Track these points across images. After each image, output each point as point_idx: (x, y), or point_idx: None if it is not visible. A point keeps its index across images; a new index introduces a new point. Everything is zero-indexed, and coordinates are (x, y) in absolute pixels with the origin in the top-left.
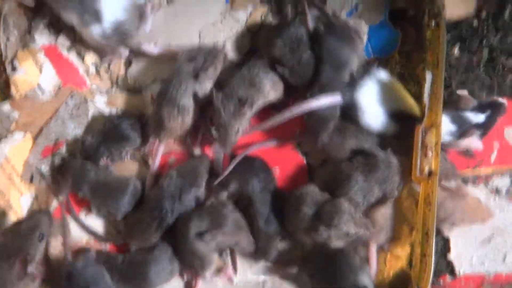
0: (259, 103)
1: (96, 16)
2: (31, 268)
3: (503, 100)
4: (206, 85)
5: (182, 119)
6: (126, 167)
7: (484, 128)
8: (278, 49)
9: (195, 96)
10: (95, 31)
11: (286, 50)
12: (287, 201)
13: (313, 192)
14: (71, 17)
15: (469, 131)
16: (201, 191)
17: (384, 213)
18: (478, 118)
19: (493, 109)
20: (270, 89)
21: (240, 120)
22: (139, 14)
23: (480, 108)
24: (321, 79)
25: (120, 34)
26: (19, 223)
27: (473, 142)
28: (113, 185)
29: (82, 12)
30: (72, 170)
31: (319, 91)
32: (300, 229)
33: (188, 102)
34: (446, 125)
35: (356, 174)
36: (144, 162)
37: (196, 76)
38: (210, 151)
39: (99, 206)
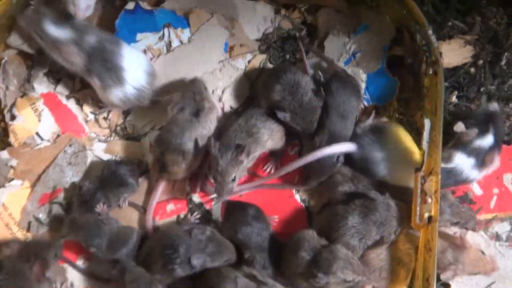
0: (256, 152)
1: (119, 80)
2: (49, 274)
3: (493, 106)
4: (209, 124)
5: (186, 163)
6: (124, 212)
7: (498, 144)
8: (277, 94)
9: (196, 140)
10: (116, 94)
11: (285, 94)
12: (286, 246)
13: (310, 237)
14: (93, 80)
15: (489, 155)
16: None
17: (379, 254)
18: (488, 139)
19: (493, 122)
20: (268, 138)
21: (237, 168)
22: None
23: (483, 131)
24: (327, 127)
25: (141, 97)
26: None
27: (495, 162)
28: (119, 236)
29: (105, 76)
30: (87, 226)
31: (327, 139)
32: (297, 274)
33: (191, 147)
34: (466, 161)
35: (352, 216)
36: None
37: (196, 116)
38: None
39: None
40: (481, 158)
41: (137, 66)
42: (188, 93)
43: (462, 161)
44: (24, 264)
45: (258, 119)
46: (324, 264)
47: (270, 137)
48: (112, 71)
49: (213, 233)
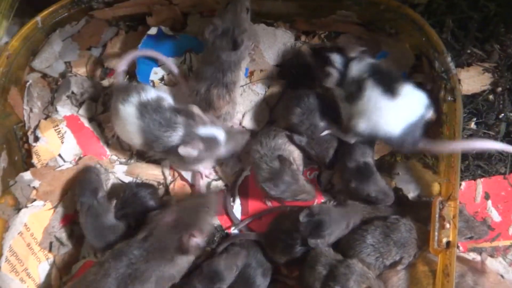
0: None
1: None
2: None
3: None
4: (244, 53)
5: (230, 96)
6: None
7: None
8: (297, 117)
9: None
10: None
11: (303, 118)
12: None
13: (327, 253)
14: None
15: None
16: None
17: (398, 273)
18: None
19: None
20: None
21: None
22: None
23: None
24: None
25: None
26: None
27: None
28: None
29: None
30: None
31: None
32: None
33: (233, 78)
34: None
35: (371, 235)
36: None
37: (234, 46)
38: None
39: None
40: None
41: None
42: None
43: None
44: (174, 235)
45: (281, 139)
46: (341, 278)
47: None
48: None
49: None
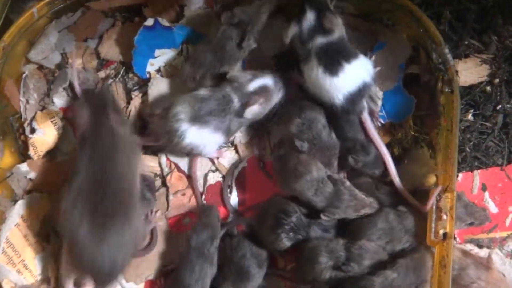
0: None
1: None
2: None
3: None
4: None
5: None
6: None
7: None
8: (295, 127)
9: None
10: None
11: (303, 128)
12: (299, 254)
13: (326, 242)
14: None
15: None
16: None
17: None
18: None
19: None
20: None
21: None
22: None
23: None
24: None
25: None
26: None
27: None
28: None
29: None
30: None
31: None
32: (321, 281)
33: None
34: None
35: (382, 219)
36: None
37: (240, 41)
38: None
39: None
40: None
41: None
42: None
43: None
44: None
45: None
46: (357, 258)
47: None
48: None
49: None
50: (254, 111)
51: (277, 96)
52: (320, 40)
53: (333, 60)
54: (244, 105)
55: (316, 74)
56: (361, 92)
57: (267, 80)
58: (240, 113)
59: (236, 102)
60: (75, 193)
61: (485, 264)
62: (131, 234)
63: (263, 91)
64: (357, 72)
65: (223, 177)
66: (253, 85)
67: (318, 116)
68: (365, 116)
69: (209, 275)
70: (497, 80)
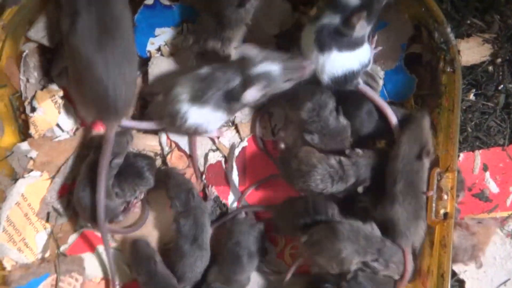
0: None
1: None
2: None
3: None
4: (248, 14)
5: (223, 52)
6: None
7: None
8: (306, 113)
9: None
10: None
11: (313, 115)
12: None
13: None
14: None
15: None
16: None
17: None
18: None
19: None
20: None
21: None
22: None
23: None
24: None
25: None
26: None
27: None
28: None
29: None
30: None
31: None
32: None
33: (230, 35)
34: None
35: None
36: None
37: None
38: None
39: None
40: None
41: None
42: None
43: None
44: None
45: None
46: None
47: None
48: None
49: None
50: (251, 95)
51: (280, 86)
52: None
53: (326, 42)
54: (243, 86)
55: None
56: (346, 78)
57: (274, 68)
58: (238, 94)
59: (236, 81)
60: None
61: (468, 231)
62: (132, 75)
63: (265, 78)
64: (346, 60)
65: (224, 156)
66: (258, 69)
67: (328, 100)
68: (362, 87)
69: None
70: (499, 60)
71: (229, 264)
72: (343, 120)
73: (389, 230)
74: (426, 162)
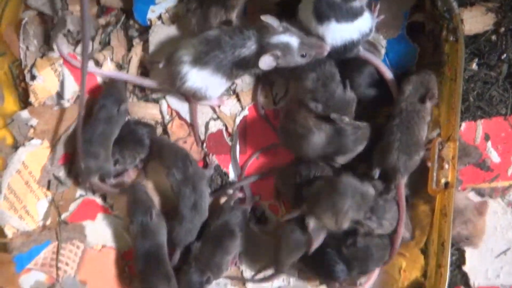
0: None
1: None
2: None
3: None
4: None
5: (227, 17)
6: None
7: None
8: (311, 82)
9: None
10: None
11: (318, 85)
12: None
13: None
14: None
15: None
16: None
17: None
18: None
19: None
20: None
21: None
22: None
23: None
24: None
25: None
26: None
27: None
28: None
29: None
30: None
31: None
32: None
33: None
34: None
35: None
36: None
37: None
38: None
39: None
40: None
41: None
42: None
43: None
44: None
45: None
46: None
47: None
48: None
49: None
50: (266, 62)
51: (295, 59)
52: None
53: (325, 13)
54: (258, 53)
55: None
56: (346, 48)
57: (294, 40)
58: (251, 62)
59: (250, 48)
60: None
61: (479, 209)
62: None
63: (284, 48)
64: (345, 30)
65: (225, 125)
66: (279, 38)
67: (334, 70)
68: (363, 53)
69: None
70: (502, 29)
71: (212, 243)
72: (350, 94)
73: (387, 172)
74: (429, 107)
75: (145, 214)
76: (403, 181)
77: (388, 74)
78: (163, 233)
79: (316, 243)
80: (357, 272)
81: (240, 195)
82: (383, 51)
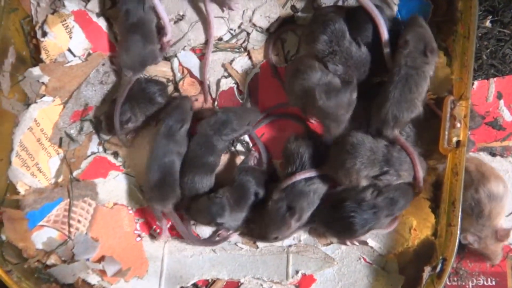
0: None
1: None
2: None
3: None
4: None
5: None
6: None
7: None
8: (323, 44)
9: None
10: None
11: (332, 45)
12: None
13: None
14: None
15: None
16: None
17: None
18: None
19: None
20: None
21: None
22: None
23: None
24: None
25: None
26: None
27: None
28: None
29: None
30: None
31: None
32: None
33: None
34: None
35: None
36: None
37: None
38: None
39: None
40: None
41: None
42: None
43: None
44: None
45: None
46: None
47: None
48: None
49: None
50: None
51: None
52: None
53: None
54: None
55: None
56: None
57: None
58: None
59: None
60: None
61: (501, 236)
62: None
63: None
64: None
65: (236, 82)
66: None
67: (344, 28)
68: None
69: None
70: None
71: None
72: (364, 50)
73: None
74: (432, 61)
75: (179, 122)
76: (396, 133)
77: (384, 31)
78: (184, 148)
79: None
80: (385, 214)
81: (255, 154)
82: (395, 8)
